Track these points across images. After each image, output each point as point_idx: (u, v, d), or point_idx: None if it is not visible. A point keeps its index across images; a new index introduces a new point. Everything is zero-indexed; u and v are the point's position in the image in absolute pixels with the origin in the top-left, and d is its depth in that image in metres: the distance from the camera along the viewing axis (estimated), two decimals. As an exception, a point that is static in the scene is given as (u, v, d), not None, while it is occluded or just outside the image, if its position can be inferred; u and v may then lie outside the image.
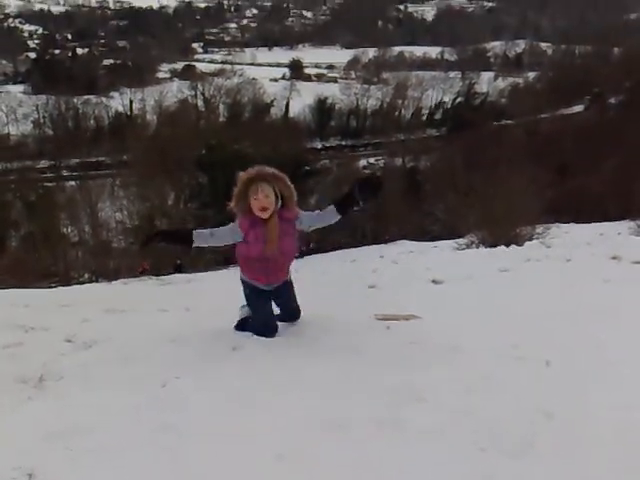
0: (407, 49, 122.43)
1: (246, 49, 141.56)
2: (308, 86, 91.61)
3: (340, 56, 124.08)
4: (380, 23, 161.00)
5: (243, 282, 4.40)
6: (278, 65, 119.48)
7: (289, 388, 3.29)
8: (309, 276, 9.32)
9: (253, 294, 4.39)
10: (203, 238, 4.10)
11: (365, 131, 79.68)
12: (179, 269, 20.18)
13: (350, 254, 17.49)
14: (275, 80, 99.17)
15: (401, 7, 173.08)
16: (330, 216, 4.05)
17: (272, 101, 77.39)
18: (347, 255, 16.72)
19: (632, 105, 62.38)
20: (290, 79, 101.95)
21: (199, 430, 2.80)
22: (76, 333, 4.53)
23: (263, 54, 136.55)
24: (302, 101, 78.50)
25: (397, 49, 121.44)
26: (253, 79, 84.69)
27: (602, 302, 4.77)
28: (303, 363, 3.66)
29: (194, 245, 4.10)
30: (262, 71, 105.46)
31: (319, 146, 67.13)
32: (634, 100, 64.88)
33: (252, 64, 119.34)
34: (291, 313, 4.54)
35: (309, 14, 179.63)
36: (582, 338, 3.88)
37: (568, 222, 26.26)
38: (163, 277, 14.01)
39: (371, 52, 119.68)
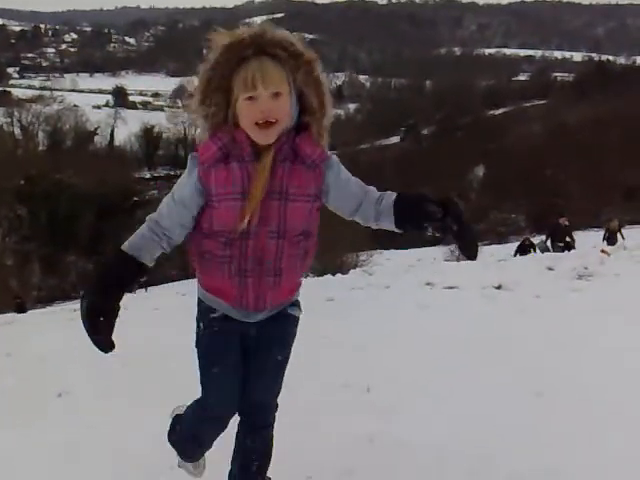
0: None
1: (66, 75, 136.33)
2: (134, 114, 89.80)
3: (165, 84, 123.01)
4: (205, 51, 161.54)
5: (198, 309, 2.14)
6: (100, 92, 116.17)
7: (117, 438, 3.18)
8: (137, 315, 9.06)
9: (207, 334, 2.09)
10: (148, 251, 1.95)
11: (194, 160, 79.19)
12: (21, 308, 17.70)
13: (181, 285, 17.43)
14: (98, 107, 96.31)
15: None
16: (387, 218, 2.09)
17: (96, 129, 74.72)
18: (179, 287, 16.59)
19: (443, 136, 67.52)
20: (114, 107, 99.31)
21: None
22: None
23: (84, 80, 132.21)
24: (128, 129, 76.66)
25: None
26: (74, 106, 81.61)
27: (418, 328, 5.14)
28: (135, 411, 3.57)
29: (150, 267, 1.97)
30: (84, 98, 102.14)
31: (147, 176, 65.70)
32: (444, 131, 70.34)
33: (73, 90, 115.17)
34: (261, 402, 2.25)
35: (132, 40, 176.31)
36: (402, 364, 4.17)
37: (390, 248, 27.75)
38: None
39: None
